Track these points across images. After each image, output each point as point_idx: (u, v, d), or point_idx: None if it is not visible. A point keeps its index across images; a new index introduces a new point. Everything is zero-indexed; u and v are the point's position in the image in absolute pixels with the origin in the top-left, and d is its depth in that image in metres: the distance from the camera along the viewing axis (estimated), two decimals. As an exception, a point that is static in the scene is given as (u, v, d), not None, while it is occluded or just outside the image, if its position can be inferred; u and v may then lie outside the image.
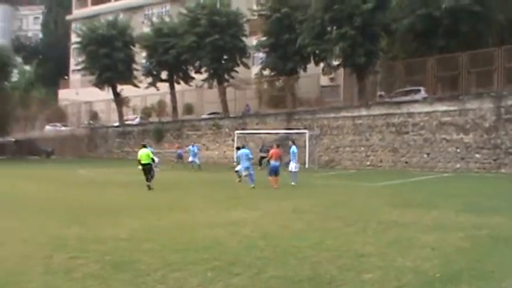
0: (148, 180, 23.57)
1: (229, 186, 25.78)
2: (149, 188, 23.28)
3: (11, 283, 7.76)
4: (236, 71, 53.52)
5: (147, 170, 23.78)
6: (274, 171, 24.44)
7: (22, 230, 12.10)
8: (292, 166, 26.05)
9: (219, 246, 10.79)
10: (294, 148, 26.78)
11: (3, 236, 11.37)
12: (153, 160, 24.55)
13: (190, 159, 39.14)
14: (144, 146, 25.07)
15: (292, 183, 25.32)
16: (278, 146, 26.51)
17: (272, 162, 24.83)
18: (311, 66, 49.39)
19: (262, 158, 39.30)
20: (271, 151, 25.69)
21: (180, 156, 42.93)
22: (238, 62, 53.24)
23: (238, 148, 28.64)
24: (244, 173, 25.35)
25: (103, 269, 8.73)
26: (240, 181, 26.24)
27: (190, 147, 40.08)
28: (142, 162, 23.78)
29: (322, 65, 48.66)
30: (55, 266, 8.82)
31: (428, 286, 7.94)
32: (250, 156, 26.02)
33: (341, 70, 48.73)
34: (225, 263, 9.20)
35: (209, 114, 54.15)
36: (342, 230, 12.93)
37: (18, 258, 9.26)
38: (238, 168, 26.72)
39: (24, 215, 14.83)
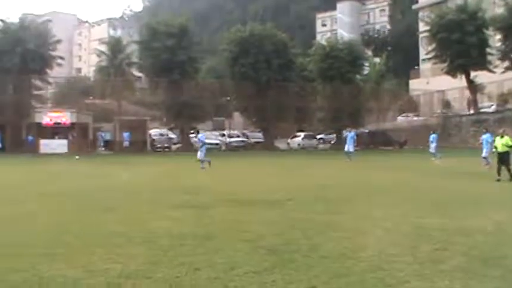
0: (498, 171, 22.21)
1: None
2: (498, 180, 21.67)
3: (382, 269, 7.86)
4: None
5: (503, 159, 22.34)
6: None
7: (385, 219, 12.35)
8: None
9: None
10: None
11: (367, 224, 11.77)
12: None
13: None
14: (502, 136, 23.36)
15: None
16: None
17: None
18: None
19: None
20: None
21: None
22: None
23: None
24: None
25: (470, 262, 8.36)
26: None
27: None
28: (499, 150, 22.57)
29: None
30: (422, 256, 8.74)
31: None
32: (489, 140, 25.62)
33: None
34: None
35: None
36: None
37: (384, 246, 9.40)
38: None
39: (387, 204, 15.14)
